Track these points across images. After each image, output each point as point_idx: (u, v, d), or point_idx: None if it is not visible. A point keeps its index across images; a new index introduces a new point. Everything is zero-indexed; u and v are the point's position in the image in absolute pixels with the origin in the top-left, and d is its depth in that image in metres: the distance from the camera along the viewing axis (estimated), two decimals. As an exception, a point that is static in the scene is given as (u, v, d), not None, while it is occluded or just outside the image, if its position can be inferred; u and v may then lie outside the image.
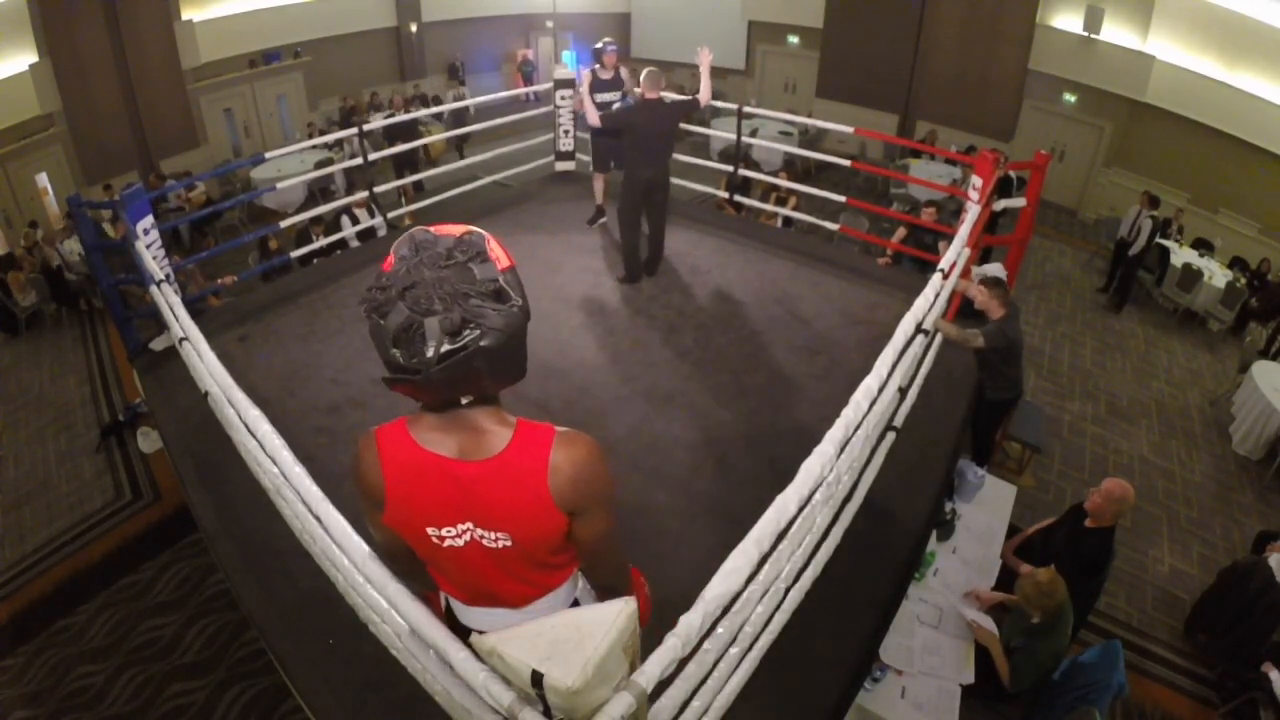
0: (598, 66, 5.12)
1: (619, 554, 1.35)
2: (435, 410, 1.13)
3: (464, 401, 1.11)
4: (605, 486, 1.20)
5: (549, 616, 1.23)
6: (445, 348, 0.99)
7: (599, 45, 5.14)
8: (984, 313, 3.64)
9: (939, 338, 3.49)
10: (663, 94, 4.49)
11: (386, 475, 1.16)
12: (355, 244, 5.98)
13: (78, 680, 3.71)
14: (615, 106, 5.01)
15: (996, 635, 2.99)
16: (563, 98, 5.98)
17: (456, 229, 1.07)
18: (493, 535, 1.17)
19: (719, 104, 6.58)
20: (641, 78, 4.36)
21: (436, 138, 7.35)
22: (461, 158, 8.33)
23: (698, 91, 4.48)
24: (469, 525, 1.17)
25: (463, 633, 1.39)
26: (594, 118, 4.52)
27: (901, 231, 5.71)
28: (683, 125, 7.22)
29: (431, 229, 1.06)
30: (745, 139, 5.72)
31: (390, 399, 3.57)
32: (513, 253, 1.12)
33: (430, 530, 1.18)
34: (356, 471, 1.20)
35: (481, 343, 1.01)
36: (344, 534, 1.75)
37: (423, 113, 8.05)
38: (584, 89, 4.87)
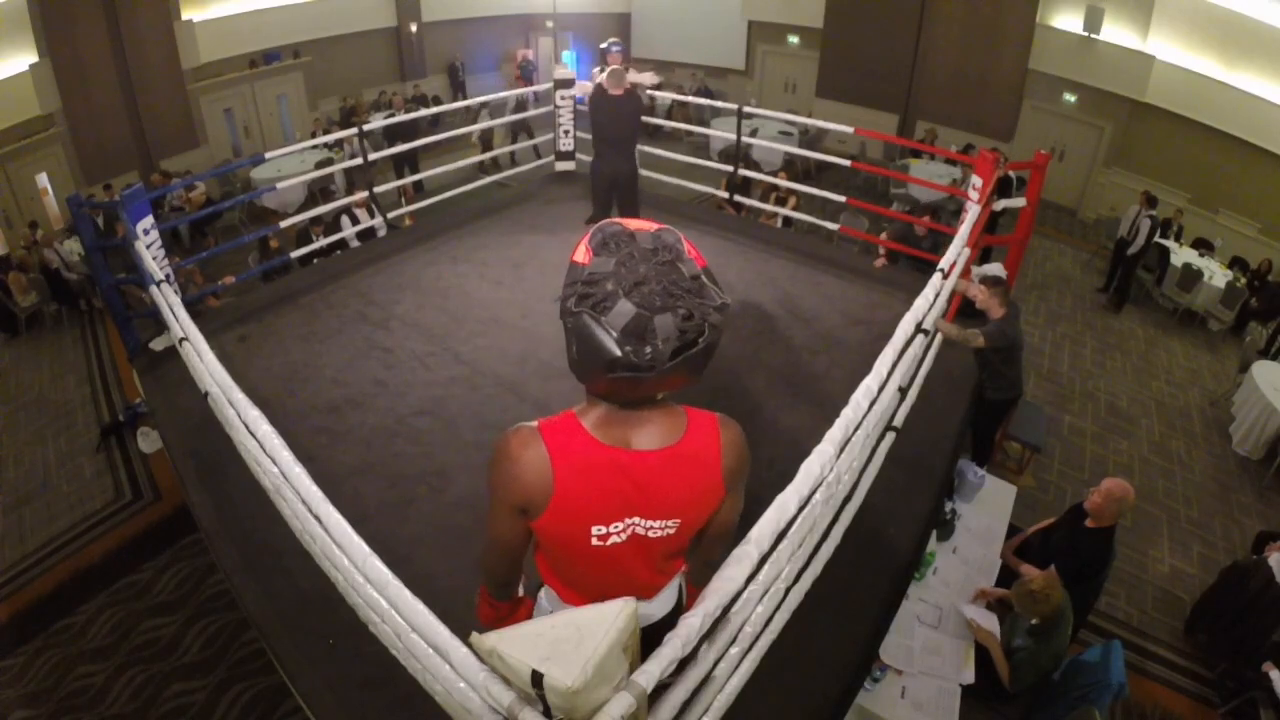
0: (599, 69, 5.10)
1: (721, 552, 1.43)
2: (630, 406, 1.13)
3: (660, 396, 1.14)
4: (748, 465, 1.26)
5: (548, 616, 1.23)
6: (676, 344, 1.01)
7: (604, 45, 5.11)
8: (985, 312, 3.64)
9: (939, 337, 3.49)
10: (629, 86, 4.54)
11: (557, 473, 1.12)
12: (355, 244, 5.98)
13: (78, 680, 3.71)
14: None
15: (997, 636, 2.99)
16: (563, 98, 5.98)
17: (649, 225, 1.09)
18: (660, 524, 1.18)
19: (719, 104, 6.61)
20: (605, 75, 4.39)
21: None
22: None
23: (700, 92, 4.54)
24: (633, 520, 1.17)
25: None
26: None
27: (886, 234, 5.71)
28: (682, 125, 7.27)
29: (620, 222, 1.08)
30: (745, 139, 5.72)
31: (390, 400, 3.59)
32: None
33: (595, 529, 1.16)
34: (505, 476, 1.14)
35: (708, 337, 1.04)
36: (344, 534, 1.75)
37: (423, 112, 8.05)
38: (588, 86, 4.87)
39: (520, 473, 1.13)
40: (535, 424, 1.16)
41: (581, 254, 1.06)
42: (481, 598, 1.50)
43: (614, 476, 1.13)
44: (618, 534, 1.18)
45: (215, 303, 5.09)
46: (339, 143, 8.96)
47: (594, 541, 1.18)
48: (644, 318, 0.99)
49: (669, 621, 1.42)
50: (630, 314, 0.99)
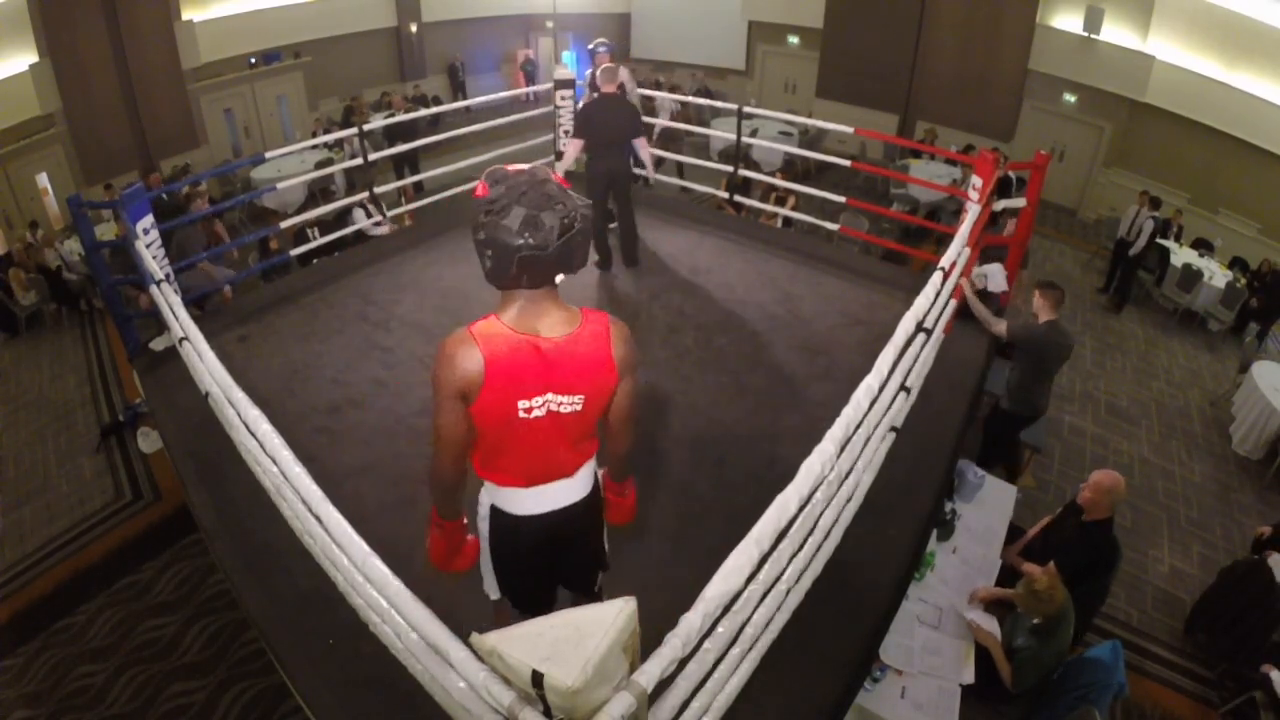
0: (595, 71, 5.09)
1: (638, 425, 1.71)
2: (530, 295, 1.45)
3: (558, 280, 1.46)
4: (637, 357, 1.58)
5: (548, 616, 1.23)
6: (559, 230, 1.38)
7: (591, 45, 5.08)
8: (1035, 314, 3.81)
9: (939, 337, 3.49)
10: (623, 86, 4.54)
11: (487, 359, 1.42)
12: (367, 230, 5.97)
13: (78, 680, 3.71)
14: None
15: (997, 636, 2.99)
16: (563, 98, 5.97)
17: (521, 166, 1.47)
18: (570, 400, 1.48)
19: (719, 104, 6.61)
20: (598, 73, 4.40)
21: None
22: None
23: (700, 92, 4.55)
24: (548, 396, 1.47)
25: (521, 527, 1.65)
26: None
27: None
28: (683, 125, 7.26)
29: (503, 167, 1.47)
30: (746, 139, 5.71)
31: (389, 399, 3.59)
32: None
33: (520, 403, 1.45)
34: (447, 370, 1.43)
35: (580, 225, 1.42)
36: (344, 534, 1.74)
37: (422, 112, 8.05)
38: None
39: (459, 364, 1.42)
40: (465, 328, 1.46)
41: (480, 190, 1.44)
42: (431, 526, 1.73)
43: (530, 358, 1.43)
44: (539, 408, 1.47)
45: (227, 298, 5.10)
46: (339, 143, 8.96)
47: (520, 414, 1.46)
48: (533, 215, 1.37)
49: (588, 507, 1.71)
50: (523, 214, 1.37)
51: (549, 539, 1.68)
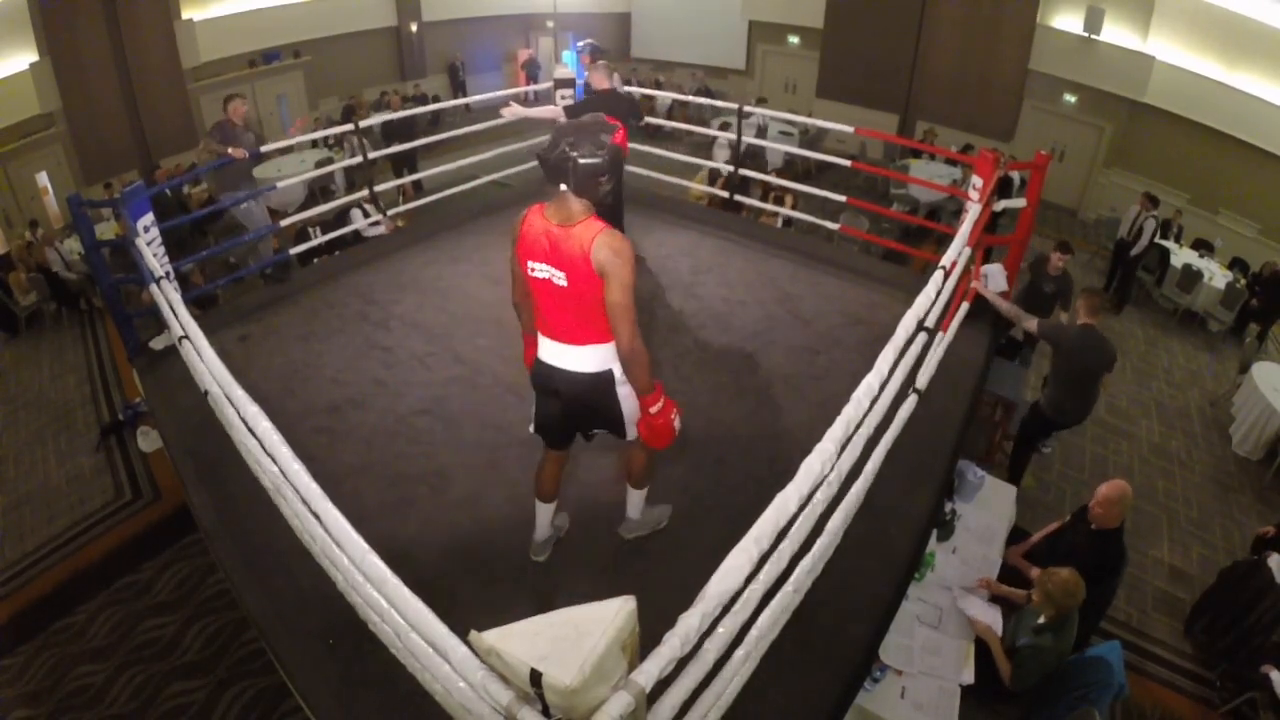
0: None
1: (630, 333, 2.02)
2: (556, 193, 1.99)
3: (563, 188, 1.96)
4: (621, 269, 1.95)
5: (548, 614, 1.23)
6: (583, 159, 1.92)
7: (580, 45, 5.06)
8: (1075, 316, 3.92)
9: (939, 337, 3.48)
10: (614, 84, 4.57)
11: (520, 225, 2.07)
12: (365, 231, 5.97)
13: (78, 680, 3.71)
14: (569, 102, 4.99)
15: (998, 630, 2.99)
16: (563, 97, 5.97)
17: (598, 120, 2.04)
18: (558, 273, 1.99)
19: (719, 104, 6.61)
20: (589, 72, 4.44)
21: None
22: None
23: (701, 91, 4.56)
24: (547, 265, 2.01)
25: (537, 367, 2.25)
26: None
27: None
28: (682, 125, 7.26)
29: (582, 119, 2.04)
30: (749, 139, 5.71)
31: (389, 399, 3.60)
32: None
33: (529, 262, 2.04)
34: (513, 226, 2.11)
35: (582, 157, 1.92)
36: (343, 533, 1.74)
37: (419, 110, 8.05)
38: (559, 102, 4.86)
39: (512, 223, 2.12)
40: (530, 207, 2.07)
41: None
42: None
43: (541, 233, 2.01)
44: (540, 271, 2.03)
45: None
46: (339, 142, 8.96)
47: (529, 271, 2.06)
48: (556, 139, 1.96)
49: (594, 384, 2.17)
50: (550, 138, 1.98)
51: (554, 389, 2.22)
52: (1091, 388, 4.00)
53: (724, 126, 9.33)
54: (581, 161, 1.92)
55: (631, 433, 2.30)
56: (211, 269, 6.39)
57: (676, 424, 2.20)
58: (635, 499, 2.67)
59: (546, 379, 2.22)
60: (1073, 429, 5.61)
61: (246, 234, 5.02)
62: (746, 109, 5.52)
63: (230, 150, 4.78)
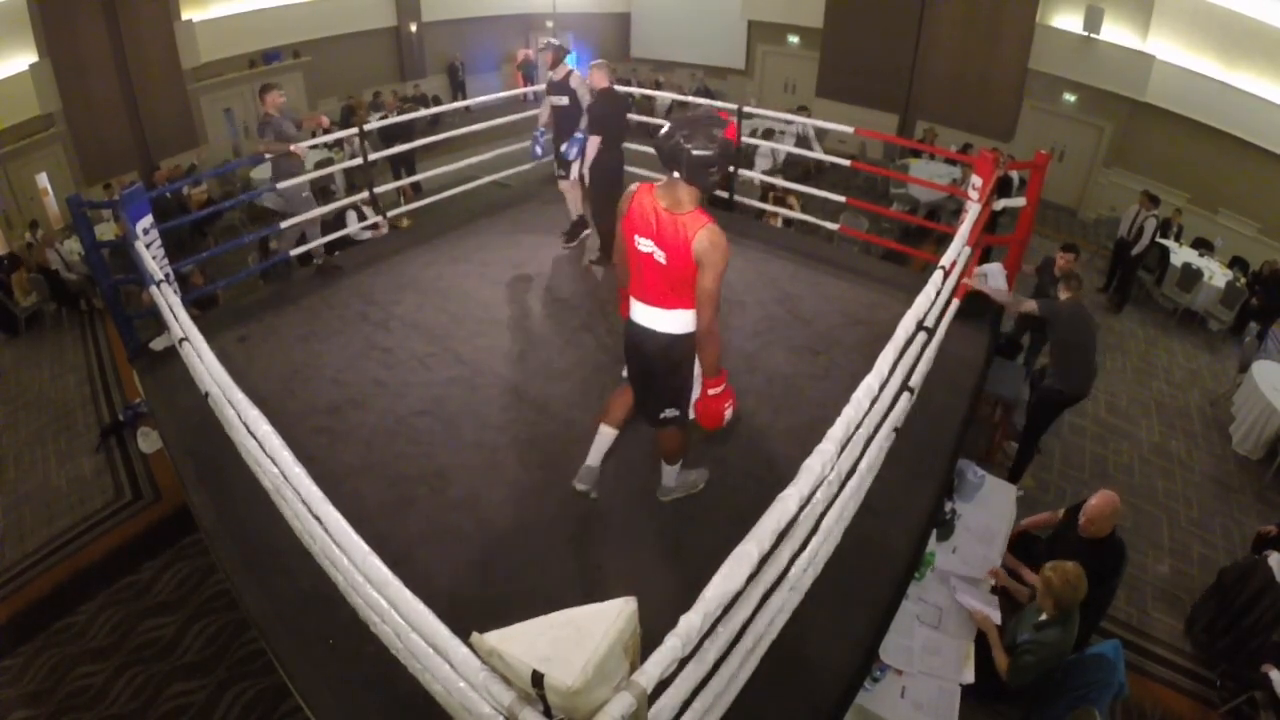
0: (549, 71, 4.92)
1: (710, 317, 2.26)
2: (667, 178, 2.18)
3: (675, 175, 2.15)
4: (718, 262, 2.16)
5: (549, 616, 1.23)
6: (695, 151, 2.07)
7: (542, 45, 4.88)
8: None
9: (940, 336, 3.48)
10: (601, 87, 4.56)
11: (631, 201, 2.28)
12: (362, 233, 5.96)
13: (78, 680, 3.71)
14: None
15: (995, 623, 2.99)
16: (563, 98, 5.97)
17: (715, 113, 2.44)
18: (661, 252, 2.21)
19: (719, 104, 6.61)
20: (591, 72, 4.44)
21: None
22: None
23: (700, 92, 4.57)
24: (652, 242, 2.22)
25: (628, 326, 2.48)
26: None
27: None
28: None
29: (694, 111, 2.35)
30: (749, 139, 5.70)
31: (389, 400, 3.60)
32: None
33: (636, 237, 2.27)
34: (624, 198, 2.32)
35: (702, 152, 2.07)
36: (344, 534, 1.74)
37: (419, 114, 8.05)
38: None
39: (624, 197, 2.33)
40: (639, 185, 2.30)
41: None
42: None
43: (648, 213, 2.22)
44: (644, 246, 2.25)
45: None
46: (339, 142, 8.95)
47: (634, 244, 2.28)
48: (671, 129, 2.12)
49: (667, 346, 2.39)
50: (668, 128, 2.14)
51: (635, 344, 2.47)
52: (1092, 356, 4.24)
53: (766, 134, 8.98)
54: (694, 153, 2.06)
55: (674, 412, 2.57)
56: (211, 269, 6.38)
57: (729, 414, 2.40)
58: (670, 472, 2.88)
59: (634, 337, 2.47)
60: (1073, 430, 5.64)
61: (275, 224, 5.02)
62: (746, 109, 5.50)
63: (292, 147, 4.77)
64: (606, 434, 2.79)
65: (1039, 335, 5.22)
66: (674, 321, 2.35)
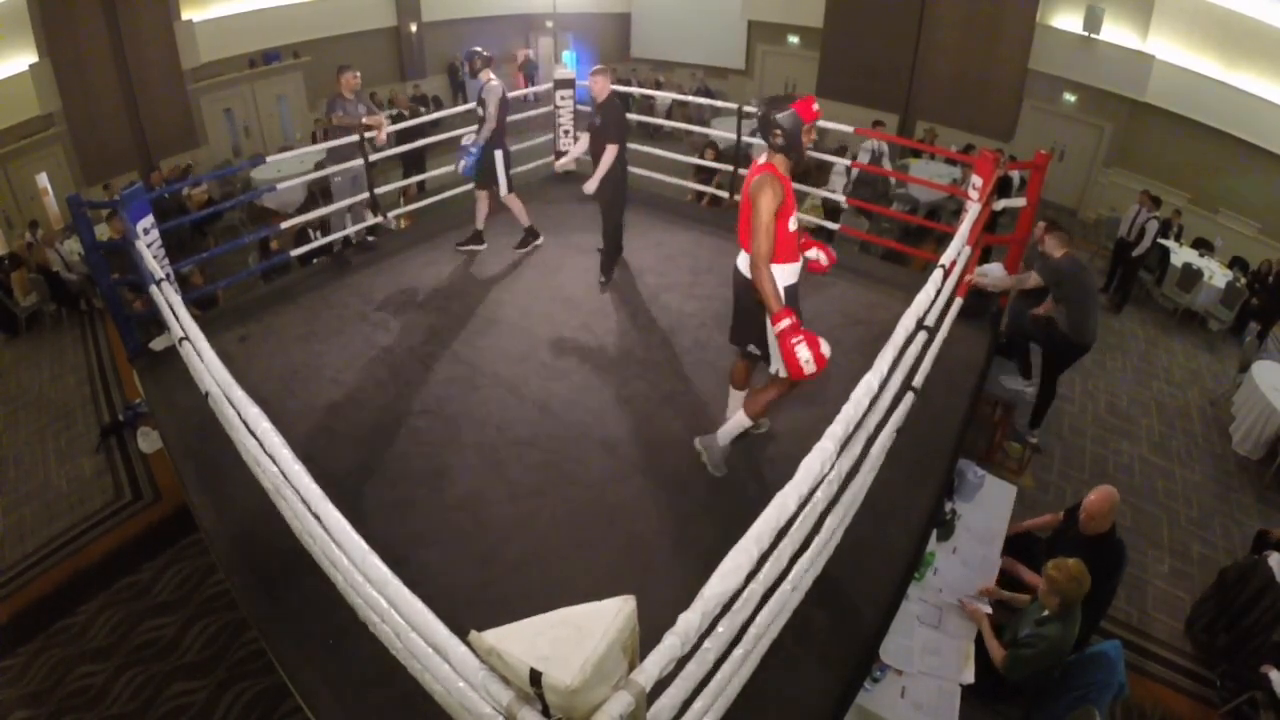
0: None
1: (761, 247, 2.58)
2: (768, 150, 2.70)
3: (768, 141, 2.66)
4: (763, 197, 2.54)
5: (548, 615, 1.23)
6: (762, 113, 2.62)
7: (468, 53, 4.76)
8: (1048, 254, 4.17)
9: (940, 336, 3.48)
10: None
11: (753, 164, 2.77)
12: (366, 233, 5.95)
13: (78, 680, 3.71)
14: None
15: (986, 615, 3.00)
16: (562, 98, 5.98)
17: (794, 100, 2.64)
18: (739, 197, 2.74)
19: (719, 104, 6.61)
20: (593, 80, 4.33)
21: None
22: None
23: (700, 91, 4.53)
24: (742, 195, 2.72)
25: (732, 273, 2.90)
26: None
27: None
28: (682, 125, 7.27)
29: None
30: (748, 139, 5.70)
31: (389, 399, 3.60)
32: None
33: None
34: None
35: (770, 120, 2.59)
36: (344, 533, 1.74)
37: (428, 117, 8.03)
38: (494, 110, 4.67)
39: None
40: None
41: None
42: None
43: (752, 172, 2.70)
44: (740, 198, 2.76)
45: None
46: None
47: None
48: (761, 104, 2.70)
49: (746, 287, 2.77)
50: (757, 119, 2.71)
51: (733, 280, 2.87)
52: (1096, 305, 4.33)
53: (839, 150, 8.01)
54: (761, 114, 2.63)
55: (756, 350, 2.89)
56: (212, 269, 6.39)
57: (806, 357, 2.50)
58: (730, 425, 3.02)
59: (733, 276, 2.86)
60: (1073, 430, 5.64)
61: (276, 224, 5.07)
62: (746, 109, 5.48)
63: (371, 125, 4.81)
64: (735, 395, 3.19)
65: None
66: (747, 264, 2.73)
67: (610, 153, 4.29)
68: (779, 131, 2.57)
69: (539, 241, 5.15)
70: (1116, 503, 3.21)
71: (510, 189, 4.93)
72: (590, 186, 4.36)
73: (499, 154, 4.78)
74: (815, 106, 2.60)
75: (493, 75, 4.73)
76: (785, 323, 2.52)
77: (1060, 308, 4.21)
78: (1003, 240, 4.57)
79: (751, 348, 2.92)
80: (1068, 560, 2.87)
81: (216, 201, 7.78)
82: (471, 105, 5.02)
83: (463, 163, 4.72)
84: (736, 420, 3.00)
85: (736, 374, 3.16)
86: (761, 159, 2.66)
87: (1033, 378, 4.75)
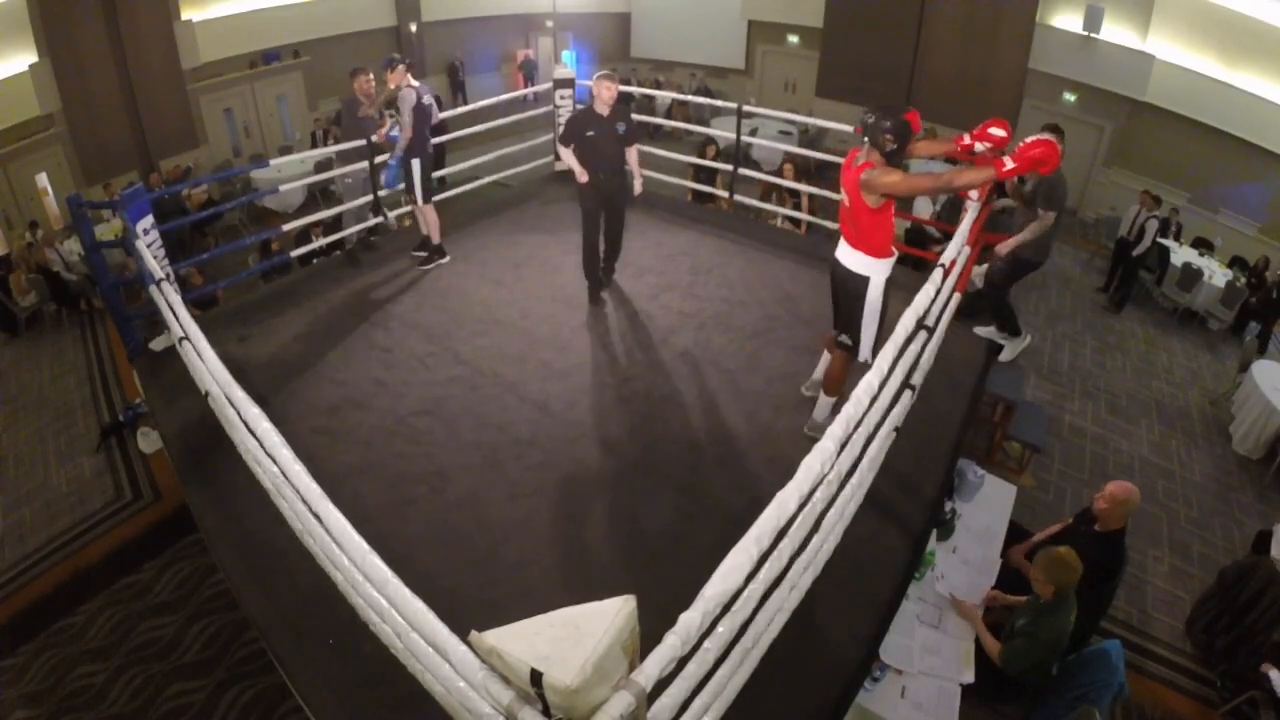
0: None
1: (924, 184, 2.88)
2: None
3: (865, 140, 2.75)
4: (879, 177, 2.68)
5: (548, 614, 1.23)
6: (883, 139, 2.70)
7: (389, 59, 4.64)
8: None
9: (940, 335, 3.48)
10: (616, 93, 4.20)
11: (845, 163, 2.89)
12: (373, 229, 5.94)
13: (78, 680, 3.71)
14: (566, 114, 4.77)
15: (978, 612, 3.00)
16: (562, 97, 5.98)
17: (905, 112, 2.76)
18: (843, 194, 2.89)
19: (719, 104, 6.61)
20: (599, 87, 4.05)
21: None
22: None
23: (700, 91, 4.47)
24: (843, 189, 2.88)
25: (832, 264, 3.10)
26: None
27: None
28: (681, 124, 7.25)
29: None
30: (746, 138, 5.70)
31: (389, 399, 3.60)
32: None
33: (842, 190, 2.90)
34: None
35: (875, 119, 2.72)
36: (344, 533, 1.74)
37: (453, 112, 8.02)
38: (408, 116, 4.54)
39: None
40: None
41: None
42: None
43: (849, 165, 2.85)
44: (840, 195, 2.93)
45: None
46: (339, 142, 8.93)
47: (841, 195, 2.93)
48: (869, 111, 2.78)
49: (845, 278, 3.01)
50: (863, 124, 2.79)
51: (832, 271, 3.10)
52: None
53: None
54: (872, 121, 2.72)
55: (846, 339, 3.10)
56: (211, 269, 6.39)
57: (1038, 147, 2.71)
58: (824, 404, 3.33)
59: (833, 268, 3.06)
60: (1073, 430, 5.64)
61: (276, 226, 5.07)
62: (746, 109, 5.49)
63: (401, 115, 4.58)
64: (825, 357, 3.50)
65: None
66: (851, 258, 2.94)
67: (632, 155, 4.31)
68: (891, 137, 2.68)
69: (444, 260, 4.94)
70: (1137, 500, 3.18)
71: (427, 199, 4.76)
72: (639, 188, 4.43)
73: (415, 162, 4.63)
74: (921, 123, 2.80)
75: (410, 80, 4.54)
76: (1007, 165, 2.71)
77: (1033, 229, 3.99)
78: (1003, 240, 4.55)
79: (844, 338, 3.09)
80: (1058, 547, 2.87)
81: (216, 202, 7.78)
82: (471, 106, 5.00)
83: (382, 176, 4.75)
84: (826, 404, 3.31)
85: (834, 369, 3.29)
86: (864, 156, 2.78)
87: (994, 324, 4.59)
